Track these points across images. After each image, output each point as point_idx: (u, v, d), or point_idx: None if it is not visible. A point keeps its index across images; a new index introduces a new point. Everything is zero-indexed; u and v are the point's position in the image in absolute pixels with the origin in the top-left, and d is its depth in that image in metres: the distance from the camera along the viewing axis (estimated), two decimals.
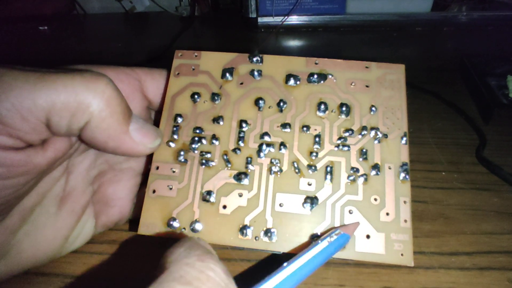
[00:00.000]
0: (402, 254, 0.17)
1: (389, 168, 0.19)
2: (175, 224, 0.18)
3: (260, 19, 0.49)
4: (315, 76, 0.21)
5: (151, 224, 0.19)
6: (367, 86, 0.20)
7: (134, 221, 0.19)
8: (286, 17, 0.48)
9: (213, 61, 0.21)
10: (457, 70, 0.38)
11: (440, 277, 0.19)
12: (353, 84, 0.20)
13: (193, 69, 0.21)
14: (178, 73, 0.21)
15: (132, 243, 0.21)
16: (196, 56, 0.21)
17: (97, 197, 0.20)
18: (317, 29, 0.50)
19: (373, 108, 0.20)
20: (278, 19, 0.49)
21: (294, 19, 0.49)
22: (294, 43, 0.48)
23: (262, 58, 0.21)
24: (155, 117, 0.22)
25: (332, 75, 0.21)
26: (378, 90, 0.20)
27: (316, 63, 0.21)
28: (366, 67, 0.21)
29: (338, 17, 0.49)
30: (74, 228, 0.19)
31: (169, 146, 0.20)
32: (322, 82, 0.21)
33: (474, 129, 0.29)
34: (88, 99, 0.15)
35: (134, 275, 0.19)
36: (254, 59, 0.21)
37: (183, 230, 0.18)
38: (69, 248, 0.19)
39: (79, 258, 0.20)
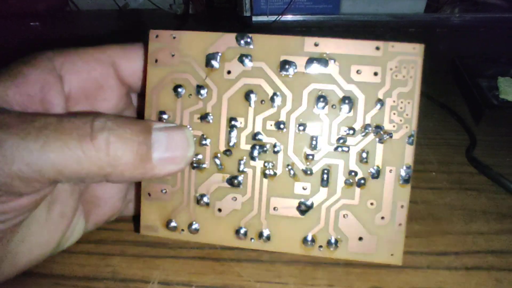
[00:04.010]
0: (392, 254, 0.18)
1: (390, 172, 0.18)
2: (174, 225, 0.18)
3: (254, 18, 0.49)
4: (314, 62, 0.18)
5: (151, 226, 0.19)
6: (375, 74, 0.17)
7: (137, 220, 0.19)
8: (280, 16, 0.48)
9: (195, 43, 0.18)
10: (449, 71, 0.38)
11: (429, 277, 0.19)
12: (359, 71, 0.18)
13: (173, 55, 0.18)
14: (156, 60, 0.19)
15: (117, 243, 0.21)
16: (174, 37, 0.18)
17: (85, 198, 0.20)
18: (311, 28, 0.50)
19: (379, 102, 0.18)
20: (272, 18, 0.49)
21: (288, 18, 0.49)
22: None
23: (252, 39, 0.18)
24: (138, 102, 0.21)
25: (335, 60, 0.18)
26: (388, 79, 0.17)
27: (316, 44, 0.18)
28: (377, 48, 0.17)
29: (332, 17, 0.49)
30: (67, 230, 0.19)
31: None
32: (322, 70, 0.18)
33: (465, 129, 0.30)
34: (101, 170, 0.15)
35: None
36: (243, 40, 0.18)
37: (182, 231, 0.18)
38: (61, 248, 0.19)
39: (67, 258, 0.20)
